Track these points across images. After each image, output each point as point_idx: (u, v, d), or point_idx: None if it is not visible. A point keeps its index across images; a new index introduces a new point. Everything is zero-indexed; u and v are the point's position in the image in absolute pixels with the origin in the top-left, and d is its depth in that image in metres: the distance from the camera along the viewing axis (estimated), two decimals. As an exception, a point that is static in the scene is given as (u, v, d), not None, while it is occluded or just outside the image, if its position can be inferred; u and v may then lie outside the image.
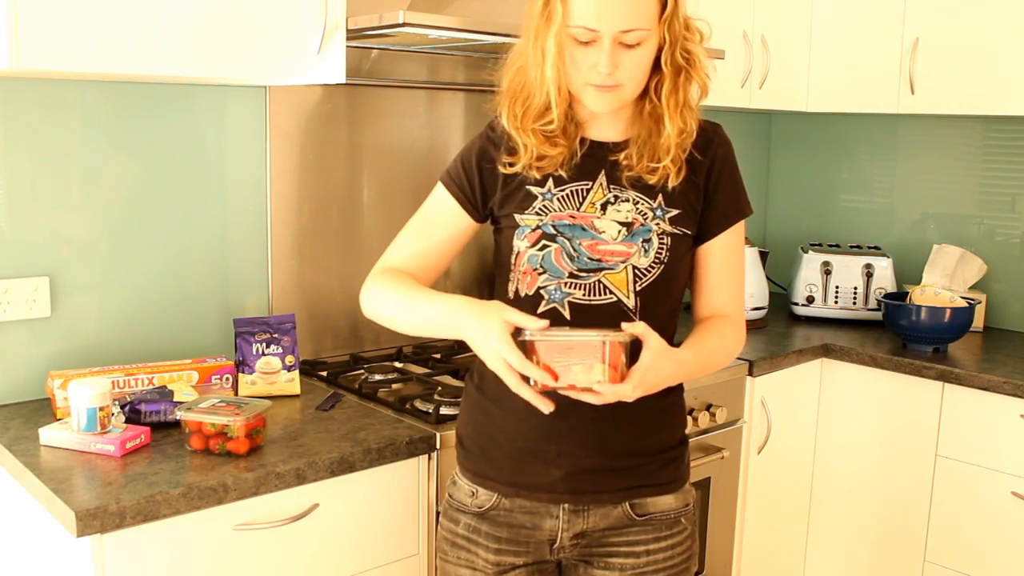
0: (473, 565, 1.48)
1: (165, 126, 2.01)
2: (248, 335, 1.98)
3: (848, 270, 2.92)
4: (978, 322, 2.85)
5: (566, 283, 1.43)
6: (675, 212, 1.46)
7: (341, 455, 1.64)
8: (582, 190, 1.45)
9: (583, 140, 1.47)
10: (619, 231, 1.43)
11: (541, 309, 1.43)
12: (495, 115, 1.49)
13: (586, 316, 1.42)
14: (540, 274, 1.43)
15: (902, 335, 2.63)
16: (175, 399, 1.75)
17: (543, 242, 1.44)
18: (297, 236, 2.22)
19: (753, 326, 2.83)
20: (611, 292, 1.43)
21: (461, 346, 2.41)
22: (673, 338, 1.50)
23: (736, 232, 1.52)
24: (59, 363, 1.91)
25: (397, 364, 2.24)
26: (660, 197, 1.45)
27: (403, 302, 1.45)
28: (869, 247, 3.05)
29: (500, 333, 1.27)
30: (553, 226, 1.44)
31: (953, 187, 3.02)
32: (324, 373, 2.12)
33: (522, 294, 1.45)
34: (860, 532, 2.67)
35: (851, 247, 3.04)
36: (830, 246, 3.04)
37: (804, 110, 2.95)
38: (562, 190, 1.45)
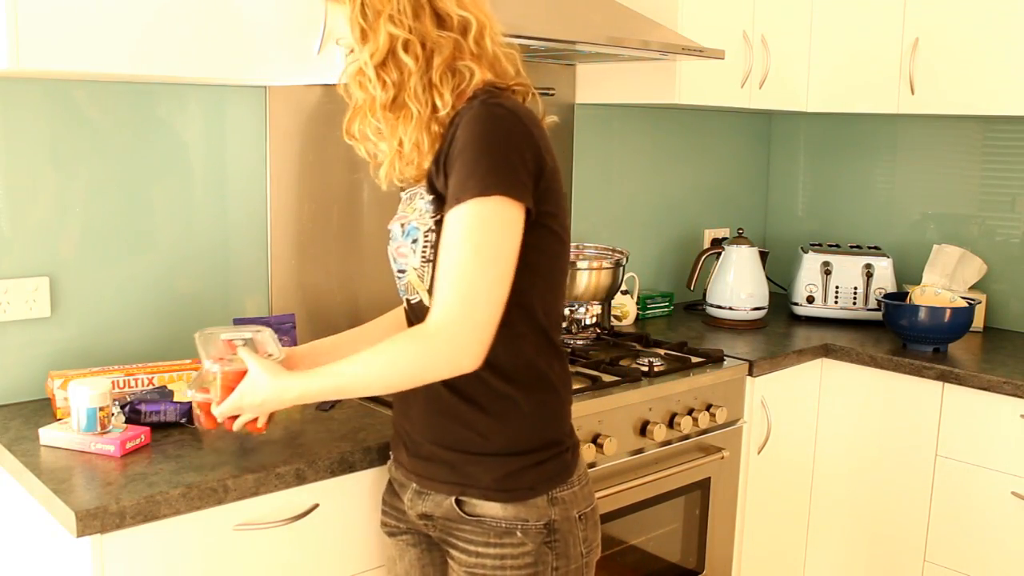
0: (383, 513, 1.63)
1: (165, 126, 2.00)
2: (248, 335, 1.97)
3: (848, 270, 2.92)
4: (978, 322, 2.85)
5: (398, 284, 1.51)
6: (432, 197, 1.38)
7: (341, 455, 1.64)
8: (417, 192, 1.45)
9: None
10: (400, 233, 1.47)
11: (408, 307, 1.51)
12: None
13: (414, 314, 1.48)
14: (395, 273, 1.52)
15: (902, 335, 2.63)
16: (175, 399, 1.75)
17: (389, 245, 1.52)
18: (297, 236, 2.22)
19: (753, 326, 2.83)
20: (416, 292, 1.46)
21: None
22: (517, 341, 1.39)
23: (454, 218, 1.30)
24: (59, 363, 1.91)
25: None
26: (427, 187, 1.41)
27: None
28: (869, 247, 3.05)
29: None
30: (389, 229, 1.51)
31: (953, 187, 3.02)
32: (324, 373, 2.12)
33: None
34: (860, 532, 2.67)
35: (851, 247, 3.04)
36: (830, 246, 3.04)
37: (804, 110, 2.95)
38: (407, 194, 1.50)
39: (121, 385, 1.83)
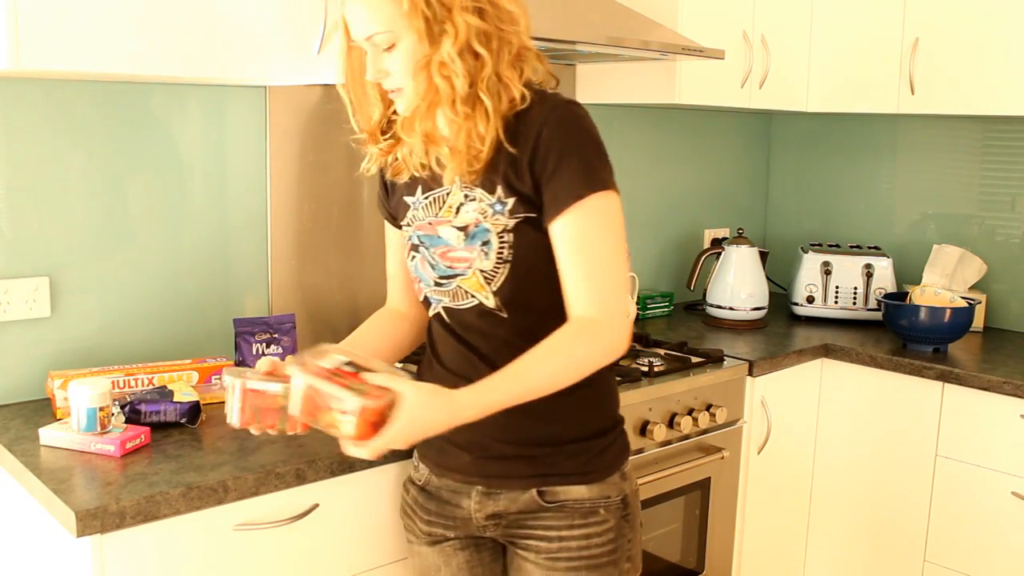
0: (413, 531, 1.61)
1: (165, 126, 2.01)
2: (248, 335, 1.98)
3: (848, 270, 2.92)
4: (978, 322, 2.85)
5: (435, 291, 1.49)
6: (513, 200, 1.39)
7: (341, 455, 1.63)
8: (442, 195, 1.45)
9: None
10: (458, 237, 1.43)
11: (431, 313, 1.53)
12: None
13: (458, 319, 1.48)
14: (418, 282, 1.52)
15: (902, 335, 2.63)
16: (175, 399, 1.75)
17: (412, 252, 1.51)
18: (297, 236, 2.22)
19: (753, 326, 2.83)
20: (471, 296, 1.44)
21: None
22: None
23: (582, 215, 1.35)
24: (59, 363, 1.91)
25: (397, 364, 2.24)
26: (500, 188, 1.39)
27: None
28: (869, 247, 3.05)
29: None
30: (417, 236, 1.49)
31: (953, 187, 3.02)
32: (324, 373, 2.12)
33: (420, 298, 1.55)
34: (860, 532, 2.67)
35: (851, 247, 3.04)
36: (830, 246, 3.04)
37: (804, 110, 2.95)
38: (427, 197, 1.48)
39: (121, 385, 1.83)
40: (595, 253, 1.35)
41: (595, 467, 1.49)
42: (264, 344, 1.97)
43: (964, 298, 2.64)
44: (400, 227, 1.56)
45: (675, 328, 2.83)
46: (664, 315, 3.00)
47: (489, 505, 1.50)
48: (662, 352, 2.44)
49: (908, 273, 3.06)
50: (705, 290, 2.94)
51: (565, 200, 1.35)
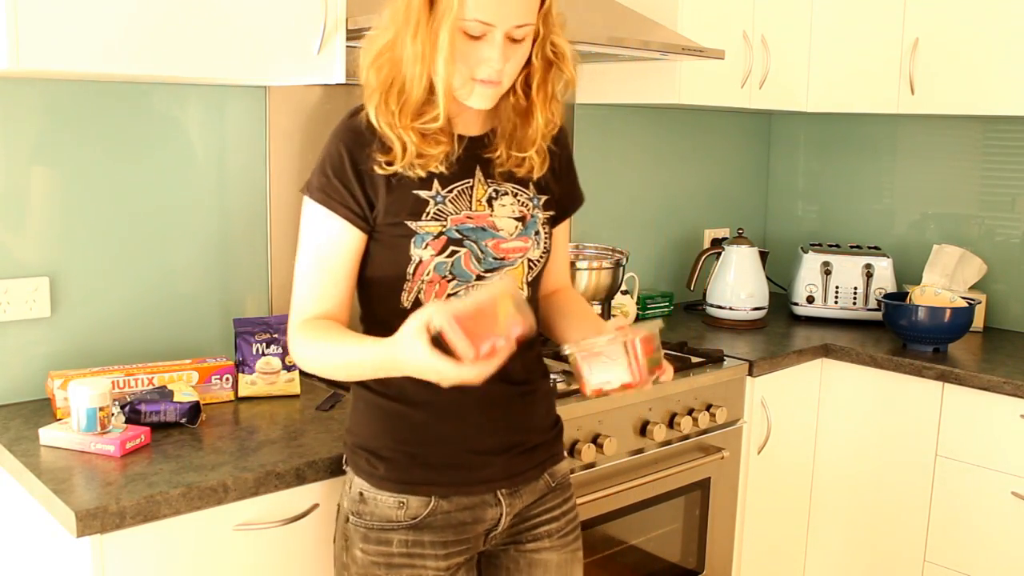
0: (443, 564, 1.44)
1: (165, 126, 2.01)
2: (248, 335, 1.98)
3: (848, 270, 2.92)
4: (978, 322, 2.85)
5: (472, 286, 1.42)
6: (545, 199, 1.51)
7: (341, 455, 1.63)
8: (467, 188, 1.43)
9: (457, 136, 1.43)
10: (515, 226, 1.45)
11: None
12: (351, 113, 1.44)
13: None
14: (449, 280, 1.41)
15: (902, 335, 2.63)
16: (175, 399, 1.75)
17: (451, 248, 1.40)
18: (297, 236, 2.21)
19: (753, 326, 2.83)
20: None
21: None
22: None
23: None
24: (59, 363, 1.91)
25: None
26: (532, 187, 1.49)
27: (334, 356, 1.37)
28: (869, 247, 3.05)
29: (415, 333, 1.21)
30: (457, 230, 1.40)
31: (953, 187, 3.02)
32: (324, 373, 2.12)
33: (427, 303, 1.40)
34: (860, 532, 2.67)
35: (851, 247, 3.04)
36: (830, 246, 3.04)
37: (804, 110, 2.95)
38: (450, 191, 1.42)
39: (121, 385, 1.83)
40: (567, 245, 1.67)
41: (564, 445, 1.63)
42: (264, 344, 1.97)
43: (964, 298, 2.64)
44: (384, 225, 1.41)
45: (675, 328, 2.83)
46: (664, 315, 2.99)
47: (516, 504, 1.50)
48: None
49: (908, 273, 3.06)
50: (705, 290, 2.94)
51: (576, 204, 1.61)
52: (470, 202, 1.43)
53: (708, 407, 2.31)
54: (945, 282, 2.85)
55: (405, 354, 1.23)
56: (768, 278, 2.95)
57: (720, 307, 2.85)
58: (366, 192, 1.39)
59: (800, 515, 2.73)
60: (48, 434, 1.64)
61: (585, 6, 2.22)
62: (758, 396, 2.47)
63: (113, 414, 1.66)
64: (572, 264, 2.48)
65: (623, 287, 2.78)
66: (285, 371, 1.97)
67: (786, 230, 3.45)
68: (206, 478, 1.50)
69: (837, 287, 2.92)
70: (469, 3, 1.28)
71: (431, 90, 1.34)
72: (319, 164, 1.43)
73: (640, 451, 2.16)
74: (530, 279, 1.48)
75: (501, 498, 1.48)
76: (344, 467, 1.53)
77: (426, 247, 1.39)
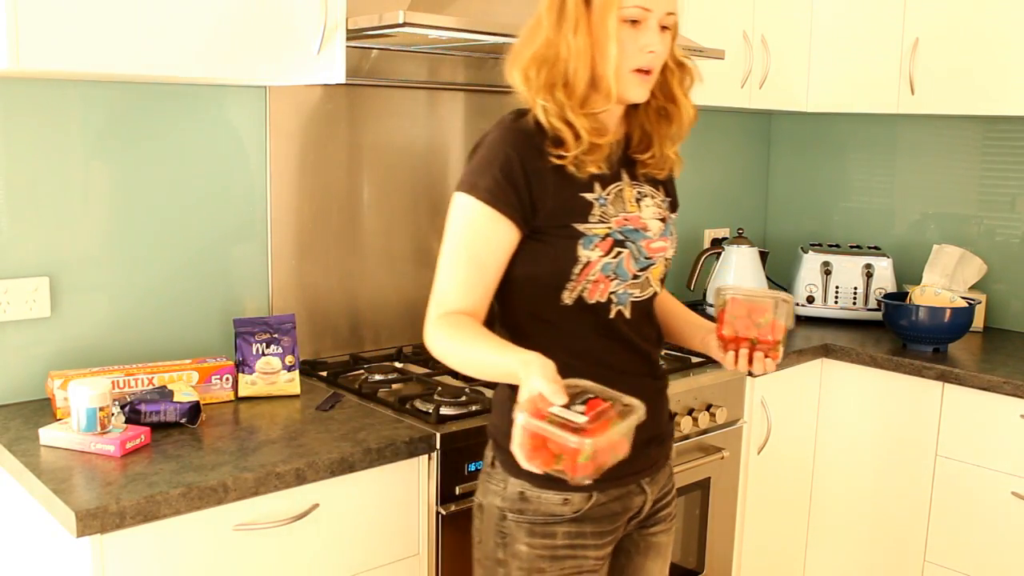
0: (581, 568, 1.48)
1: (165, 126, 2.01)
2: (248, 335, 1.98)
3: (848, 270, 2.92)
4: (978, 322, 2.85)
5: (630, 284, 1.49)
6: (669, 200, 1.59)
7: (341, 455, 1.64)
8: (619, 190, 1.49)
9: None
10: (659, 227, 1.52)
11: (611, 314, 1.48)
12: (514, 117, 1.45)
13: (639, 312, 1.52)
14: (612, 279, 1.45)
15: (902, 335, 2.63)
16: (175, 399, 1.75)
17: (615, 249, 1.45)
18: (297, 236, 2.22)
19: (753, 326, 2.83)
20: (651, 285, 1.52)
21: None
22: None
23: None
24: (59, 363, 1.91)
25: (397, 364, 2.24)
26: (661, 189, 1.56)
27: (471, 354, 1.39)
28: (869, 247, 3.05)
29: (550, 375, 1.25)
30: (621, 232, 1.45)
31: (953, 187, 3.02)
32: (324, 373, 2.12)
33: (591, 301, 1.45)
34: (860, 532, 2.67)
35: (851, 247, 3.04)
36: (830, 246, 3.04)
37: (804, 110, 2.95)
38: (608, 192, 1.47)
39: (121, 385, 1.83)
40: None
41: None
42: (264, 344, 1.97)
43: (964, 298, 2.64)
44: (561, 226, 1.43)
45: (675, 328, 2.83)
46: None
47: (654, 491, 1.56)
48: (662, 352, 2.44)
49: (908, 273, 3.06)
50: (705, 290, 2.94)
51: (677, 208, 1.63)
52: (623, 203, 1.47)
53: (708, 407, 2.31)
54: (945, 282, 2.85)
55: (529, 373, 1.26)
56: (768, 278, 2.95)
57: (720, 307, 2.85)
58: (533, 194, 1.41)
59: (800, 515, 2.73)
60: (48, 434, 1.64)
61: (585, 6, 2.22)
62: (758, 396, 2.47)
63: (113, 414, 1.66)
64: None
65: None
66: (285, 371, 1.97)
67: (786, 230, 3.45)
68: (206, 478, 1.50)
69: (837, 287, 2.92)
70: None
71: (592, 84, 1.41)
72: (483, 165, 1.42)
73: (640, 451, 2.16)
74: (662, 277, 1.56)
75: (645, 487, 1.54)
76: (491, 466, 1.51)
77: (594, 248, 1.43)
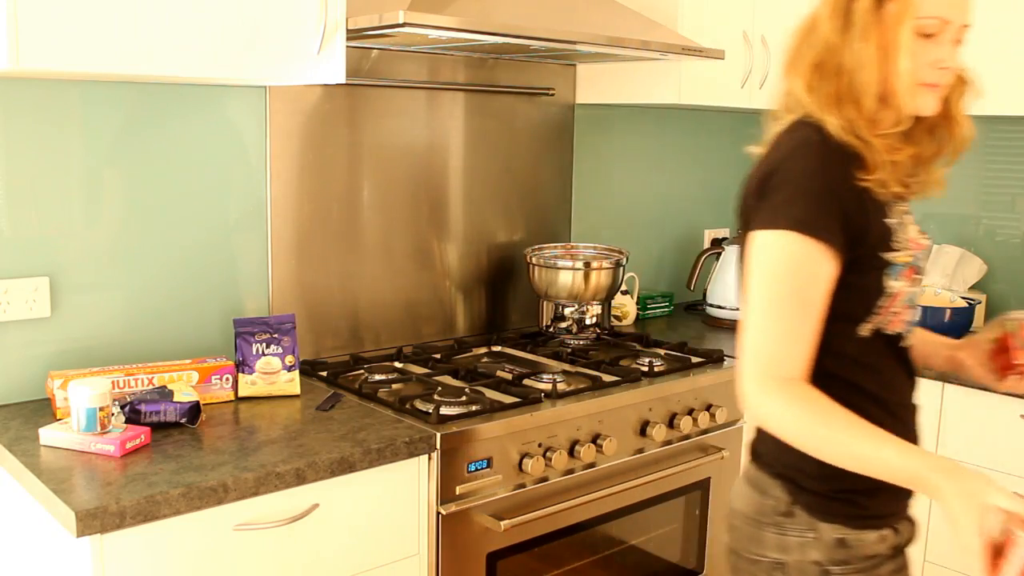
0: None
1: (165, 126, 2.01)
2: (248, 335, 1.98)
3: (848, 270, 2.92)
4: (978, 322, 2.85)
5: (915, 312, 1.40)
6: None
7: (341, 455, 1.64)
8: (904, 211, 1.38)
9: None
10: (928, 247, 1.43)
11: (902, 344, 1.38)
12: (810, 129, 1.30)
13: (903, 342, 1.39)
14: (910, 308, 1.36)
15: (902, 335, 2.63)
16: (175, 399, 1.75)
17: (915, 276, 1.35)
18: (297, 236, 2.22)
19: (753, 326, 2.83)
20: (917, 307, 1.44)
21: (461, 346, 2.41)
22: None
23: None
24: (59, 363, 1.91)
25: (397, 364, 2.24)
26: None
27: (855, 446, 1.22)
28: (869, 247, 3.04)
29: (989, 519, 1.11)
30: (916, 257, 1.35)
31: (953, 187, 3.01)
32: (324, 373, 2.12)
33: (889, 332, 1.34)
34: (860, 532, 2.66)
35: (851, 247, 3.04)
36: (830, 246, 3.04)
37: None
38: (897, 216, 1.34)
39: (121, 385, 1.83)
40: None
41: None
42: (264, 344, 1.97)
43: (964, 298, 2.64)
44: (873, 254, 1.30)
45: (675, 328, 2.83)
46: (664, 315, 2.99)
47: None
48: (662, 352, 2.44)
49: (908, 273, 3.06)
50: (705, 290, 2.94)
51: None
52: (906, 227, 1.35)
53: (708, 407, 2.31)
54: (945, 282, 2.85)
55: (954, 502, 1.13)
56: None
57: (720, 307, 2.85)
58: (858, 223, 1.27)
59: (800, 515, 2.73)
60: (48, 434, 1.64)
61: (585, 6, 2.22)
62: (758, 396, 2.46)
63: (113, 414, 1.66)
64: (572, 265, 2.48)
65: (623, 287, 2.79)
66: (285, 371, 1.97)
67: (786, 230, 3.44)
68: (206, 478, 1.50)
69: (837, 287, 2.92)
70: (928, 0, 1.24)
71: (882, 99, 1.28)
72: (792, 192, 1.27)
73: (640, 451, 2.16)
74: None
75: (910, 510, 1.43)
76: (785, 515, 1.36)
77: (900, 278, 1.32)
